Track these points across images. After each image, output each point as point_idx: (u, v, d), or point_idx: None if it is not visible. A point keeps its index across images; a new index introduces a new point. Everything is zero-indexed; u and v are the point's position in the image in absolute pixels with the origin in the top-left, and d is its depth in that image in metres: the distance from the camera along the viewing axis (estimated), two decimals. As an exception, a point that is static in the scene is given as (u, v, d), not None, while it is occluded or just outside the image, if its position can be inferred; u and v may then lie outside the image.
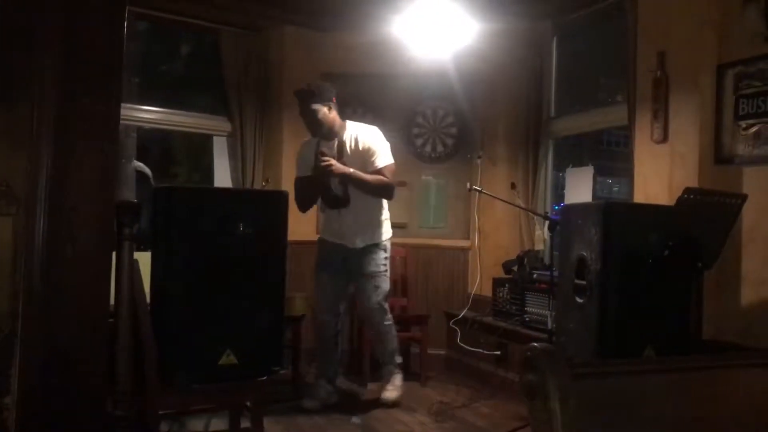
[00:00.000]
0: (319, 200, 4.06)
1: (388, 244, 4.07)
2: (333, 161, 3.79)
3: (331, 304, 4.02)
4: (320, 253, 4.11)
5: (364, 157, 3.90)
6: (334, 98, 3.93)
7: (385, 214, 4.07)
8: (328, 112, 3.88)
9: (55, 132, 1.98)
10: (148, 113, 5.00)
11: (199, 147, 5.85)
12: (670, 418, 1.36)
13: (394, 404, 4.03)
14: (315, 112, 3.84)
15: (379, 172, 3.89)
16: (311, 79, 5.23)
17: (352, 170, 3.82)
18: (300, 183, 4.01)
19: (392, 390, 4.10)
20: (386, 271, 4.04)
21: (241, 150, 5.09)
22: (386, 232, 4.06)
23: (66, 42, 2.00)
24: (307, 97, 3.85)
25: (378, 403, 4.05)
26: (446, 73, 5.01)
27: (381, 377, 4.21)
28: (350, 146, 3.92)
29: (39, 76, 1.98)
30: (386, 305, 4.06)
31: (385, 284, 4.04)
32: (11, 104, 2.10)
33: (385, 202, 4.05)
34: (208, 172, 5.42)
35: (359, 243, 3.96)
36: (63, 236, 1.98)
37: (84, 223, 2.02)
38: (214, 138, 5.31)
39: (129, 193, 3.53)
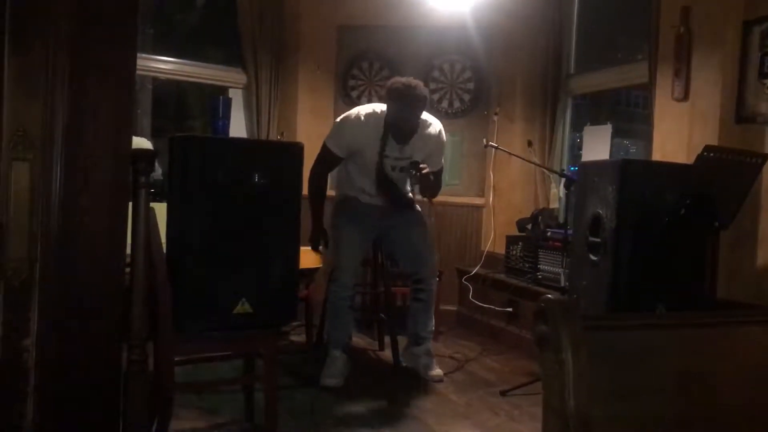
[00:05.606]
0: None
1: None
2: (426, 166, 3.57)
3: (356, 264, 3.73)
4: (348, 208, 3.75)
5: (431, 155, 3.70)
6: None
7: None
8: None
9: (70, 79, 1.97)
10: (163, 63, 4.98)
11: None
12: (679, 372, 1.37)
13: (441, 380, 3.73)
14: (418, 120, 3.60)
15: (438, 172, 3.74)
16: (328, 32, 5.22)
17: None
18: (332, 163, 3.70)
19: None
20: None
21: (256, 103, 5.07)
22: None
23: (81, -12, 1.98)
24: (419, 103, 3.54)
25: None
26: (465, 26, 4.93)
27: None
28: (422, 143, 3.66)
29: (55, 22, 1.96)
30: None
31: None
32: (27, 50, 2.10)
33: None
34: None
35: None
36: (79, 183, 2.00)
37: (99, 171, 2.03)
38: (229, 90, 5.28)
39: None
